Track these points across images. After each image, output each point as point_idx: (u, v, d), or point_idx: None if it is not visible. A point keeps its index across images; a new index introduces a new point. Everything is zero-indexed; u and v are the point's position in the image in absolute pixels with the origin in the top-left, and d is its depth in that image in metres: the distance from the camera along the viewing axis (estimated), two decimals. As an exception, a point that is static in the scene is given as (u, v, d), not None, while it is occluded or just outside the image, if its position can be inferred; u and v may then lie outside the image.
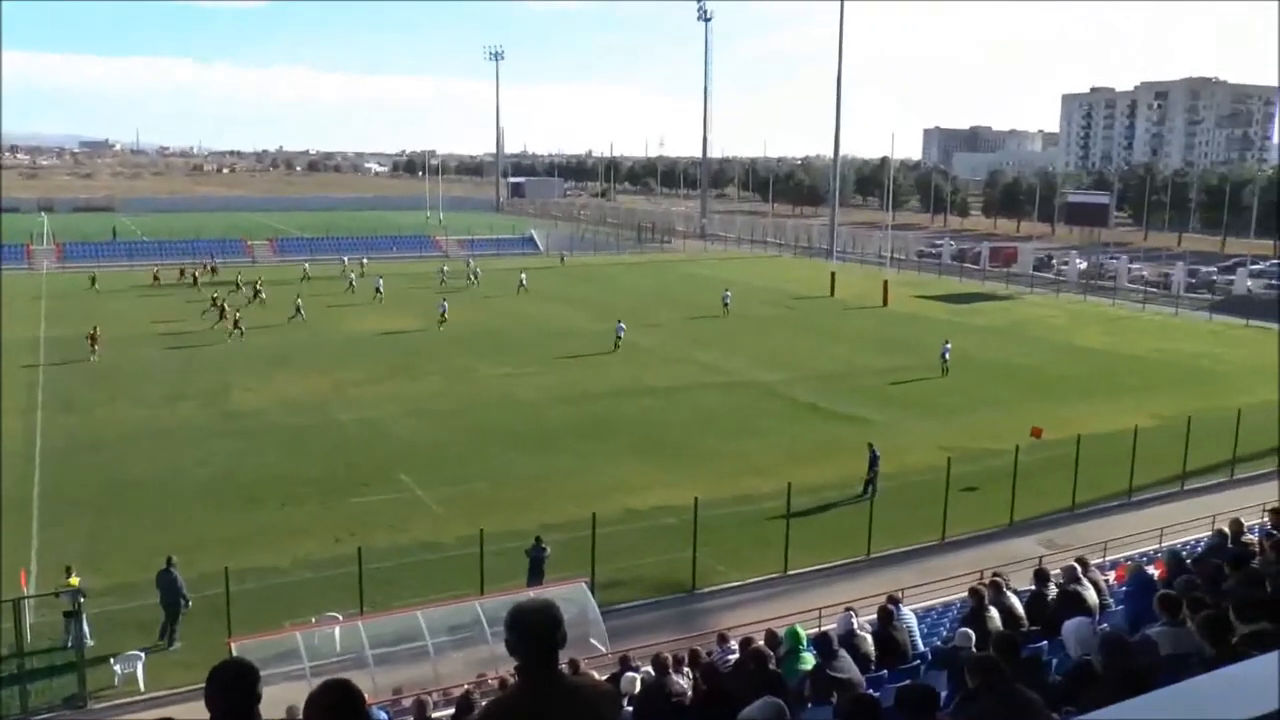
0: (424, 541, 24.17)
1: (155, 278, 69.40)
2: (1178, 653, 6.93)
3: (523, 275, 67.72)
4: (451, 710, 13.92)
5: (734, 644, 12.46)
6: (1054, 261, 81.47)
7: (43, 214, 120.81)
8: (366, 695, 4.69)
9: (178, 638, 19.44)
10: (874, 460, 27.40)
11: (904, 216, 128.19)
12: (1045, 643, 10.52)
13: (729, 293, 60.22)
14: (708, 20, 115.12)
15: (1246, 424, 29.56)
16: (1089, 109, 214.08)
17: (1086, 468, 26.97)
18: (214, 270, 72.36)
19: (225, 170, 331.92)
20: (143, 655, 18.40)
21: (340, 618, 18.95)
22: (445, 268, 73.25)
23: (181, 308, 58.26)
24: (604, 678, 12.32)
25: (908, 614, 13.25)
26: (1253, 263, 76.02)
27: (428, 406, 37.12)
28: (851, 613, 12.85)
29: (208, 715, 3.43)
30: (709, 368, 44.55)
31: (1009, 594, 12.31)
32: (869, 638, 11.61)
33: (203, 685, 3.45)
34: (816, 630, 13.47)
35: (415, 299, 61.85)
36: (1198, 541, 18.39)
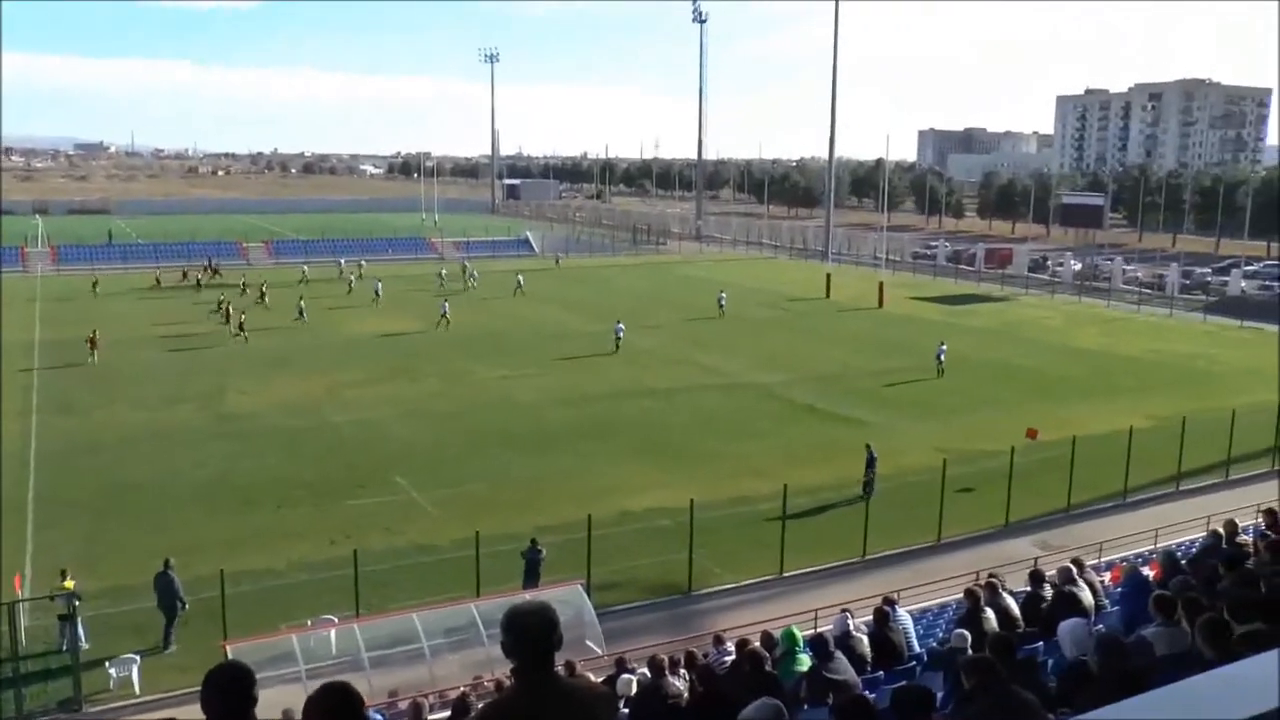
0: (420, 544, 24.14)
1: (157, 281, 69.32)
2: (1173, 653, 6.94)
3: (520, 277, 67.75)
4: (447, 713, 13.93)
5: (730, 645, 12.48)
6: (1049, 263, 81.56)
7: (37, 216, 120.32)
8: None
9: (173, 641, 19.43)
10: (871, 461, 27.44)
11: (899, 218, 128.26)
12: (1041, 644, 10.55)
13: (724, 294, 60.29)
14: (702, 22, 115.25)
15: (1241, 425, 29.57)
16: (1083, 110, 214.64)
17: (1082, 469, 26.98)
18: (215, 272, 72.28)
19: (220, 172, 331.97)
20: (138, 658, 18.36)
21: (336, 620, 18.94)
22: (444, 270, 73.25)
23: (182, 310, 58.33)
24: (600, 679, 12.32)
25: (904, 615, 13.25)
26: (1247, 264, 76.17)
27: (425, 408, 37.11)
28: (847, 614, 12.87)
29: (204, 718, 3.43)
30: (709, 369, 44.57)
31: (1005, 595, 12.33)
32: (865, 639, 11.61)
33: (198, 688, 3.44)
34: (812, 632, 13.46)
35: (413, 301, 61.90)
36: (1193, 542, 18.43)
